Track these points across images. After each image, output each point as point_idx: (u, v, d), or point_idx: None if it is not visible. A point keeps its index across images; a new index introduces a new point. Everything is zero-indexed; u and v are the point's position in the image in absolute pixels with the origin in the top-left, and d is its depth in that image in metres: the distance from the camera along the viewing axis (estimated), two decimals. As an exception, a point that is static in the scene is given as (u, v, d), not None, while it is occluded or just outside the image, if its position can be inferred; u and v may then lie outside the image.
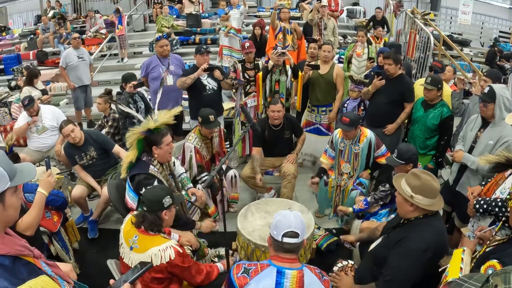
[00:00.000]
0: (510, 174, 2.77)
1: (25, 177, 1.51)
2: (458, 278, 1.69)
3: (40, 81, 6.57)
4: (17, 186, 1.49)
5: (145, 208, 2.46)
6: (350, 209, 3.81)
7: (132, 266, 2.35)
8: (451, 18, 13.89)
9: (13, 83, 9.02)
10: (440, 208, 2.39)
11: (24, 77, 7.62)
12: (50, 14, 11.62)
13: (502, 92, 3.19)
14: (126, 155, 3.12)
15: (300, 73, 5.07)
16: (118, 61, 9.93)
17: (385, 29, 9.52)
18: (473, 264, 2.02)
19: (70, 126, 4.14)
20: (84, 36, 11.00)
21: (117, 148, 4.35)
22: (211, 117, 4.05)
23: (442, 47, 9.13)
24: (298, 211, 3.38)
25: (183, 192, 3.70)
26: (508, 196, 2.63)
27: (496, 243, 2.05)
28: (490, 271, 1.74)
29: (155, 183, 3.00)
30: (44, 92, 6.34)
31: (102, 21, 11.31)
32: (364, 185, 4.06)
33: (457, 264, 1.94)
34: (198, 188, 4.07)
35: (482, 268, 1.83)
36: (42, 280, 1.42)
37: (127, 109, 3.94)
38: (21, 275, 1.38)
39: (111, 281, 1.58)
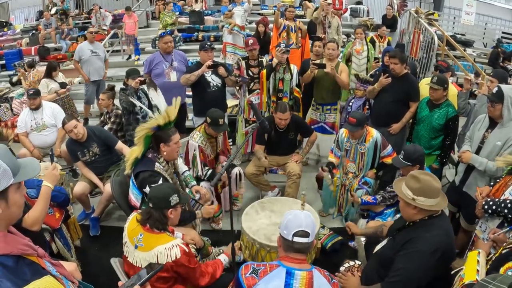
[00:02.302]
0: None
1: (29, 173, 1.47)
2: (482, 280, 1.65)
3: (61, 74, 6.49)
4: (21, 183, 1.45)
5: (151, 205, 2.43)
6: (359, 200, 3.80)
7: (137, 265, 2.33)
8: (454, 18, 13.85)
9: (14, 79, 8.98)
10: (444, 207, 2.36)
11: (26, 72, 7.61)
12: (53, 11, 11.56)
13: (510, 93, 3.16)
14: (132, 151, 3.07)
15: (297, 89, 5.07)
16: (127, 58, 9.89)
17: (392, 29, 9.47)
18: (488, 266, 1.98)
19: (73, 121, 4.11)
20: (85, 32, 10.97)
21: (120, 145, 4.30)
22: (221, 121, 4.02)
23: (445, 47, 9.10)
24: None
25: (187, 190, 3.67)
26: None
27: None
28: (510, 273, 1.71)
29: (160, 181, 2.97)
30: (62, 85, 6.26)
31: (110, 18, 11.24)
32: (369, 185, 4.03)
33: (473, 267, 1.90)
34: (202, 186, 4.04)
35: (502, 269, 1.79)
36: (46, 281, 1.38)
37: (136, 102, 3.91)
38: (24, 276, 1.34)
39: (120, 283, 1.54)
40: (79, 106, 7.15)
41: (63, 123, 4.18)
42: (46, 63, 9.71)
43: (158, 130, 2.99)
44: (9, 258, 1.33)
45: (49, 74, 6.18)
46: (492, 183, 3.03)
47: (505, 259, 1.90)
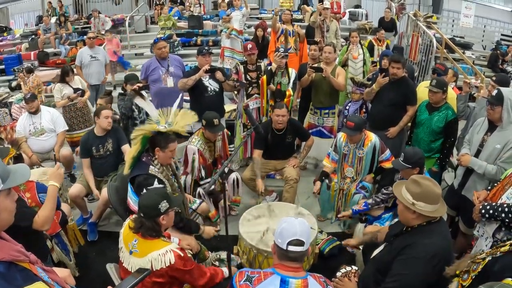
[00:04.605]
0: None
1: (19, 179, 1.47)
2: None
3: (78, 78, 6.20)
4: (11, 189, 1.45)
5: (141, 214, 2.42)
6: (350, 212, 3.78)
7: (132, 271, 2.32)
8: (453, 21, 13.88)
9: (13, 84, 8.99)
10: (443, 213, 2.34)
11: (25, 77, 7.62)
12: (53, 20, 11.56)
13: (510, 95, 3.15)
14: (129, 151, 3.11)
15: (289, 92, 5.07)
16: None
17: (393, 32, 9.46)
18: (482, 266, 1.95)
19: (110, 110, 4.29)
20: (85, 37, 11.00)
21: (126, 147, 4.34)
22: (216, 121, 4.02)
23: (444, 50, 9.11)
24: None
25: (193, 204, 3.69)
26: None
27: (509, 248, 1.99)
28: None
29: (156, 182, 2.97)
30: (76, 91, 5.90)
31: (110, 24, 11.24)
32: (367, 189, 4.02)
33: None
34: (199, 192, 4.03)
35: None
36: (37, 287, 1.39)
37: (143, 104, 3.94)
38: (15, 282, 1.35)
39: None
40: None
41: (101, 109, 4.29)
42: (45, 68, 9.81)
43: (158, 134, 3.00)
44: (1, 264, 1.34)
45: (62, 79, 5.92)
46: (489, 187, 3.02)
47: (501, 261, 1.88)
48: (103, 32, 10.68)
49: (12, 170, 1.46)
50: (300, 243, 1.96)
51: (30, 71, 7.74)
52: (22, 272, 1.40)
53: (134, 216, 2.58)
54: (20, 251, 1.45)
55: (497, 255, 1.98)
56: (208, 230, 3.31)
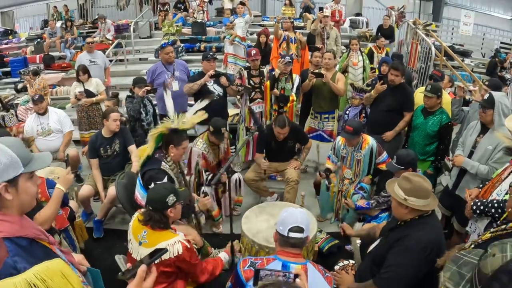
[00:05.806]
0: (506, 177, 2.86)
1: (39, 164, 1.56)
2: (458, 252, 1.78)
3: (97, 80, 6.18)
4: (34, 173, 1.54)
5: (150, 208, 2.53)
6: (353, 205, 3.93)
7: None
8: (453, 29, 14.03)
9: (19, 86, 9.12)
10: (434, 207, 2.46)
11: (31, 79, 7.74)
12: (58, 24, 11.72)
13: (501, 99, 3.30)
14: (142, 149, 3.27)
15: (292, 97, 5.20)
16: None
17: (389, 40, 9.59)
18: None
19: (118, 113, 4.41)
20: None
21: (133, 147, 4.49)
22: (223, 129, 4.19)
23: (444, 58, 9.25)
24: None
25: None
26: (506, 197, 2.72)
27: (490, 236, 2.11)
28: None
29: (165, 179, 3.11)
30: (88, 92, 5.90)
31: (112, 27, 11.40)
32: (365, 190, 4.14)
33: None
34: (203, 191, 4.16)
35: None
36: (57, 262, 1.48)
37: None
38: (37, 256, 1.44)
39: (128, 265, 1.64)
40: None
41: (110, 111, 4.40)
42: (51, 71, 9.95)
43: (173, 132, 3.17)
44: (24, 239, 1.44)
45: (77, 78, 6.04)
46: (481, 185, 3.15)
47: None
48: (108, 37, 10.86)
49: (35, 156, 1.57)
50: (300, 229, 2.10)
51: (36, 73, 7.85)
52: (43, 249, 1.50)
53: (142, 210, 2.70)
54: (41, 231, 1.55)
55: (479, 243, 2.11)
56: (202, 202, 3.47)
